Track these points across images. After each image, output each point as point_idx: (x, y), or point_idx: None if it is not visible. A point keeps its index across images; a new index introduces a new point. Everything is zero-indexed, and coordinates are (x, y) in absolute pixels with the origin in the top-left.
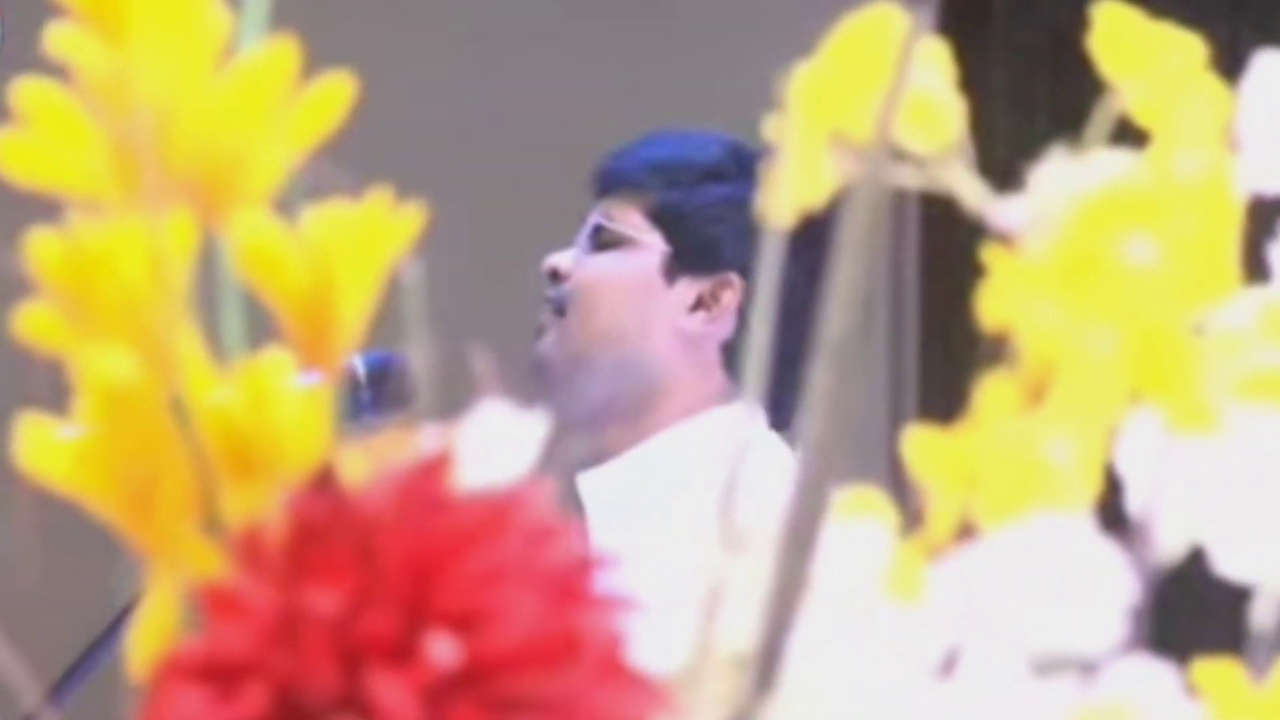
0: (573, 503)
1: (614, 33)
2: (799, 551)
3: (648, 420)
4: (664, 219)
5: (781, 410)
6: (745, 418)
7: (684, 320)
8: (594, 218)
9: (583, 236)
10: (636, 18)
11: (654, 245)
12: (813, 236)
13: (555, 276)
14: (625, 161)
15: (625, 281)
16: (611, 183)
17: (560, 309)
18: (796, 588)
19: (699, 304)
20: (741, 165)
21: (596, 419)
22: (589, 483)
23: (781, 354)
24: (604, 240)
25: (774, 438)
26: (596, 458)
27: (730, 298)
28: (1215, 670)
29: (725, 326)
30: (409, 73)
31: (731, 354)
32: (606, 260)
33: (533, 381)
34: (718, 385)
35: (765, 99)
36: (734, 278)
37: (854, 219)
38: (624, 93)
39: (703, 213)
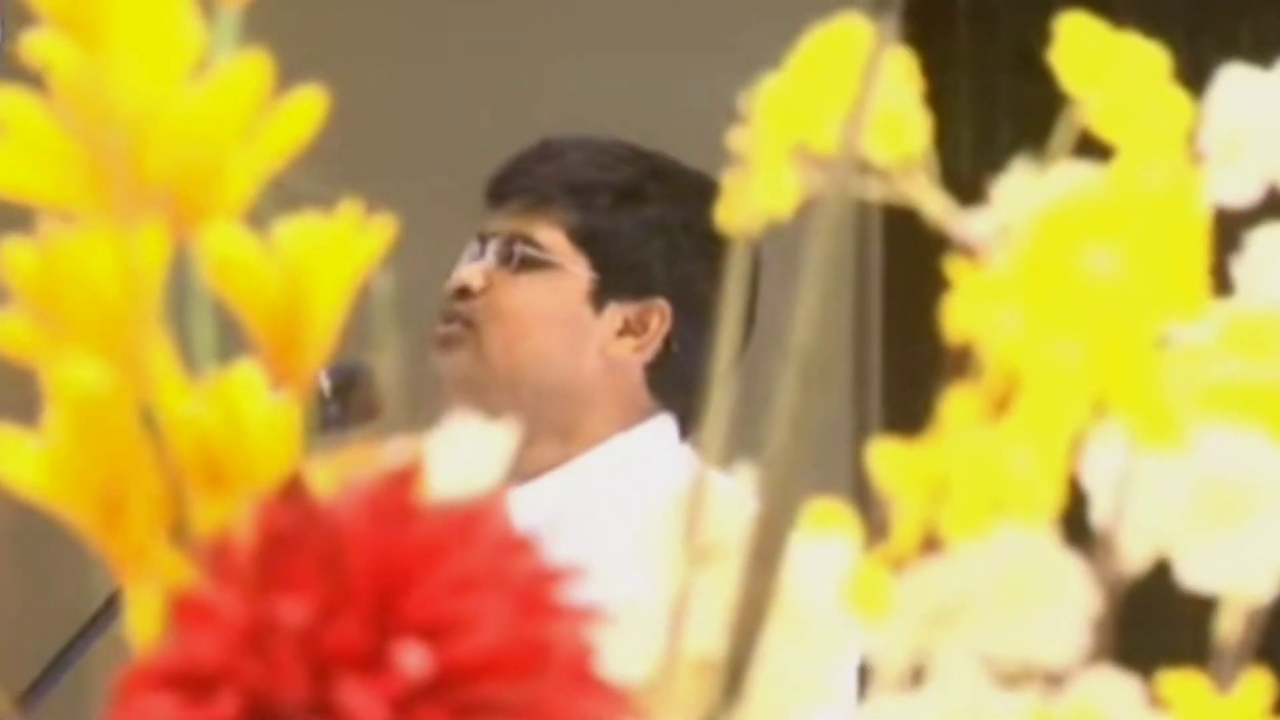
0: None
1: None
2: (765, 563)
3: (571, 441)
4: (589, 241)
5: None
6: (708, 429)
7: (612, 346)
8: (504, 233)
9: (487, 250)
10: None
11: (577, 270)
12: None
13: (463, 293)
14: (531, 176)
15: (553, 309)
16: (518, 196)
17: (469, 324)
18: (763, 599)
19: (626, 329)
20: (661, 184)
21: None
22: (517, 498)
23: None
24: (526, 261)
25: (685, 450)
26: (523, 474)
27: (658, 324)
28: (1181, 681)
29: (652, 350)
30: (381, 76)
31: (653, 373)
32: (532, 285)
33: (445, 395)
34: (642, 404)
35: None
36: (663, 304)
37: (820, 232)
38: (599, 93)
39: (629, 236)
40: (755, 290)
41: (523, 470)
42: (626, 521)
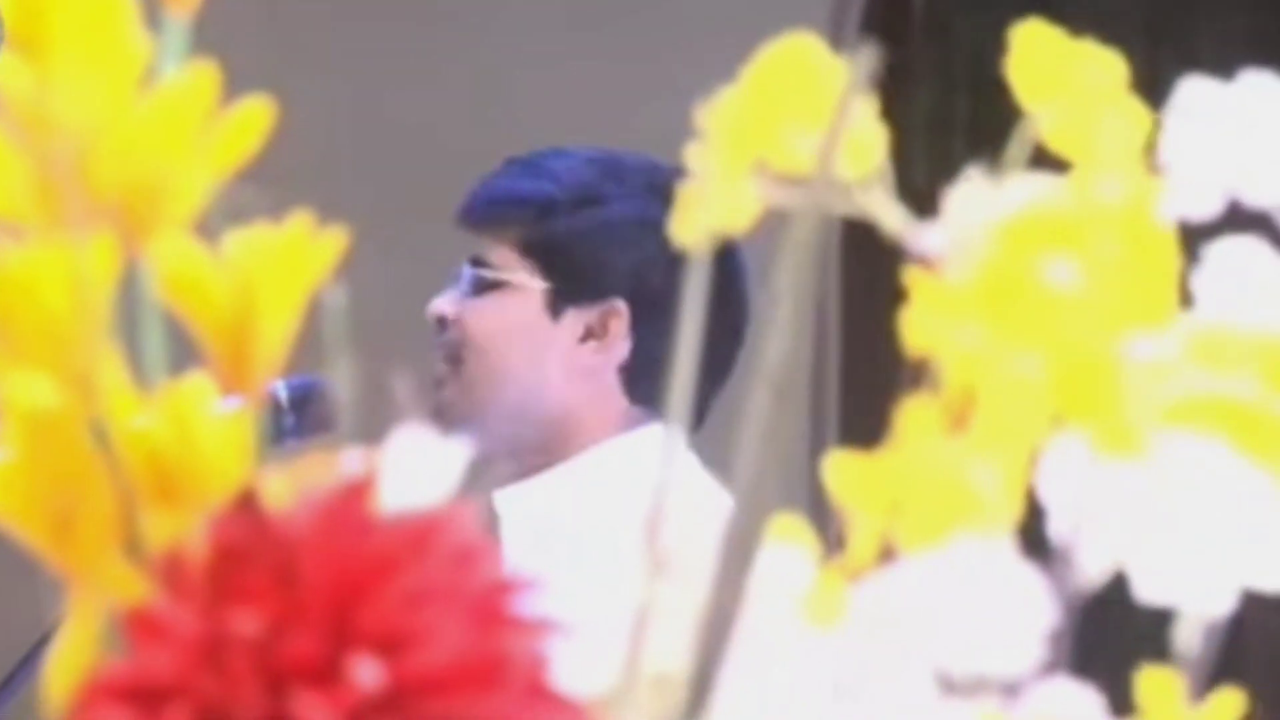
0: (490, 521)
1: (559, 43)
2: (733, 577)
3: (555, 449)
4: (539, 252)
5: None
6: (666, 440)
7: (575, 354)
8: (467, 260)
9: (460, 277)
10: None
11: (530, 283)
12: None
13: (441, 323)
14: (491, 194)
15: (511, 325)
16: (479, 218)
17: (453, 357)
18: (730, 613)
19: (588, 335)
20: (615, 183)
21: (503, 460)
22: (505, 501)
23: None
24: (483, 283)
25: (691, 457)
26: (512, 478)
27: (618, 325)
28: (1156, 683)
29: (618, 353)
30: (339, 86)
31: (629, 376)
32: (489, 304)
33: (441, 429)
34: (621, 410)
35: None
36: (619, 305)
37: (792, 250)
38: (554, 106)
39: (579, 241)
40: (744, 306)
41: (511, 472)
42: (607, 532)
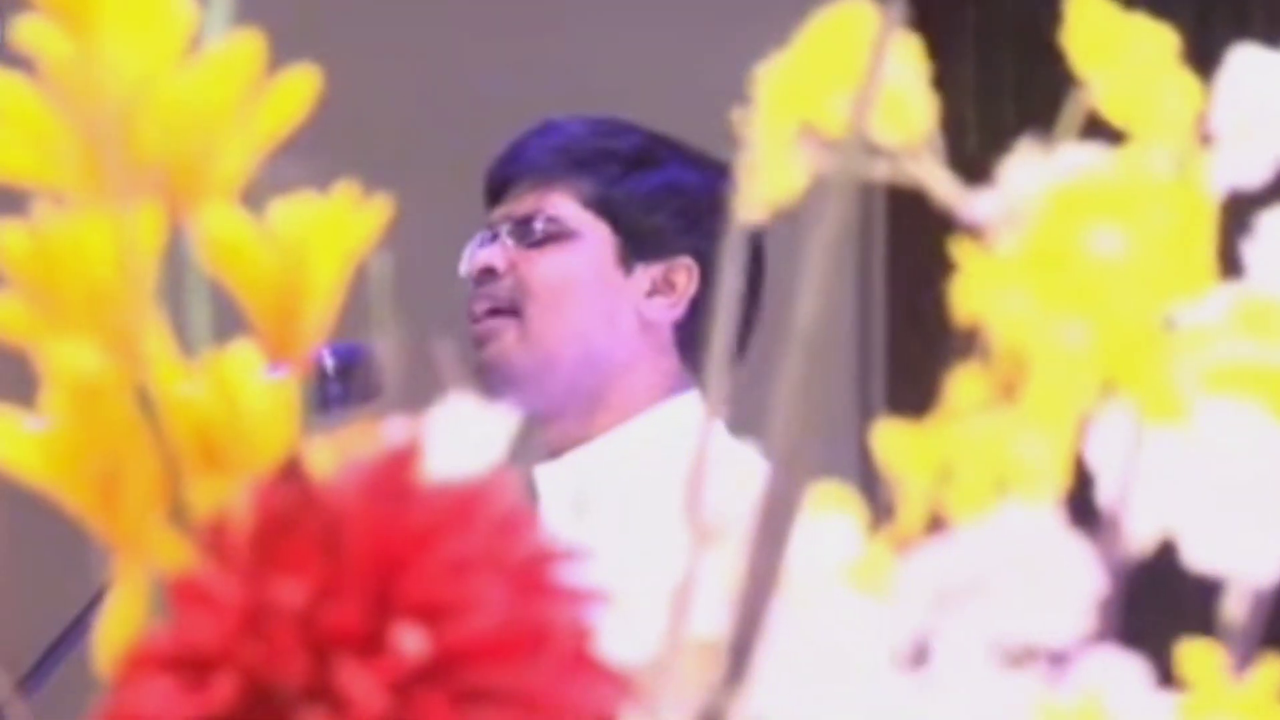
0: (530, 495)
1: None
2: (771, 544)
3: (604, 405)
4: (605, 207)
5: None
6: (706, 410)
7: (644, 306)
8: (515, 215)
9: (499, 235)
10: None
11: (601, 235)
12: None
13: (488, 274)
14: (533, 154)
15: (586, 277)
16: (523, 177)
17: (509, 309)
18: (769, 581)
19: (654, 290)
20: (670, 149)
21: (556, 413)
22: (547, 475)
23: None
24: (545, 235)
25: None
26: (553, 450)
27: (685, 281)
28: (1197, 655)
29: (680, 309)
30: (382, 50)
31: (682, 335)
32: (559, 257)
33: (492, 385)
34: (673, 367)
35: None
36: (689, 261)
37: (826, 212)
38: (605, 72)
39: (645, 199)
40: (762, 268)
41: (551, 445)
42: (650, 499)
